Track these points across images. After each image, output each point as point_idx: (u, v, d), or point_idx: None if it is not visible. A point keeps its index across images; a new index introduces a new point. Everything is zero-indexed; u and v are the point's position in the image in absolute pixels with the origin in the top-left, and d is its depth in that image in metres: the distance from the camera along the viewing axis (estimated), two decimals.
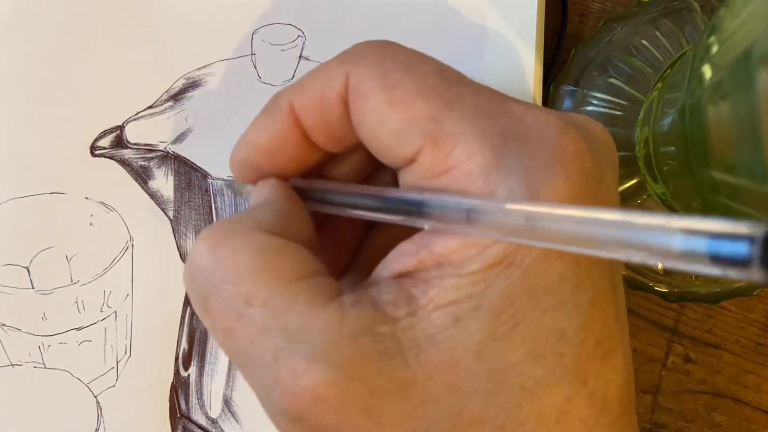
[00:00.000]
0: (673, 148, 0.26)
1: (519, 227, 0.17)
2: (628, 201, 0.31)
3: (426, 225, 0.19)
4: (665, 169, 0.27)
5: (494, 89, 0.20)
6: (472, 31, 0.31)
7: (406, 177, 0.20)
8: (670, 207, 0.30)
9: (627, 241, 0.14)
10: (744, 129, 0.18)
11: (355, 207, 0.21)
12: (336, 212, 0.22)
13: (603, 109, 0.31)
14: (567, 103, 0.32)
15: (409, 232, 0.20)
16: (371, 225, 0.25)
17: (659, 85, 0.31)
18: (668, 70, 0.31)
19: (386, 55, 0.20)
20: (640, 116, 0.31)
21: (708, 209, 0.22)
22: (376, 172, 0.24)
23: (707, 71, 0.20)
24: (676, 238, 0.13)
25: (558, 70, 0.33)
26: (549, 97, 0.32)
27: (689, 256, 0.13)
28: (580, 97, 0.32)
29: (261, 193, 0.22)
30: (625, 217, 0.14)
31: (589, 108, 0.31)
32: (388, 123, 0.19)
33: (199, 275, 0.19)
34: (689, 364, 0.33)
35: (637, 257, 0.14)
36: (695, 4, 0.31)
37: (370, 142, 0.20)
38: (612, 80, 0.31)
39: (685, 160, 0.22)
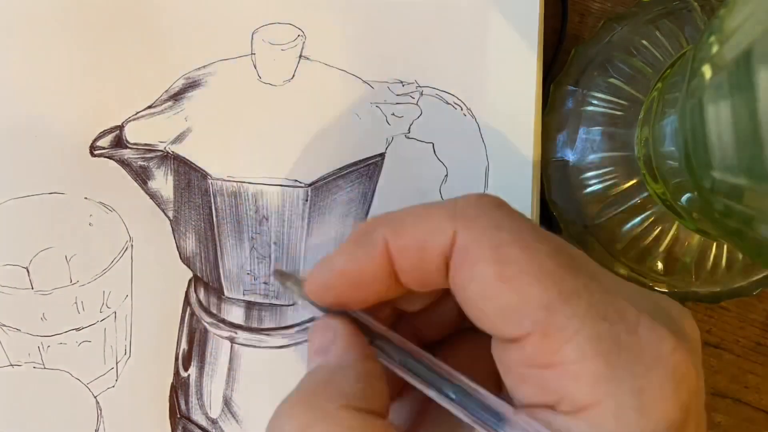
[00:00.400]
0: (673, 148, 0.26)
1: None
2: (627, 200, 0.31)
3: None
4: (665, 169, 0.27)
5: (603, 271, 0.20)
6: (473, 31, 0.31)
7: (503, 354, 0.19)
8: (670, 207, 0.30)
9: None
10: (744, 129, 0.18)
11: (432, 386, 0.20)
12: (405, 378, 0.21)
13: (603, 109, 0.31)
14: (567, 103, 0.32)
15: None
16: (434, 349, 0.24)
17: (659, 85, 0.31)
18: (668, 70, 0.31)
19: (500, 223, 0.19)
20: (640, 116, 0.31)
21: (708, 209, 0.22)
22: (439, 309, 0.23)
23: (707, 71, 0.20)
24: None
25: (558, 70, 0.33)
26: (549, 97, 0.32)
27: None
28: (580, 97, 0.32)
29: (328, 340, 0.21)
30: None
31: (589, 108, 0.31)
32: (496, 299, 0.19)
33: None
34: None
35: None
36: (695, 4, 0.31)
37: (470, 310, 0.20)
38: (612, 80, 0.31)
39: (685, 160, 0.22)
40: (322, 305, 0.22)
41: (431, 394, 0.20)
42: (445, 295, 0.22)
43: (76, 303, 0.31)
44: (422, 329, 0.22)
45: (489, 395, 0.19)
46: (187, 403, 0.31)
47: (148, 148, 0.31)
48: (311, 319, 0.31)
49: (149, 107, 0.31)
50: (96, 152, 0.31)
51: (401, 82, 0.31)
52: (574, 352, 0.18)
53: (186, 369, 0.31)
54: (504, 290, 0.19)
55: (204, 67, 0.31)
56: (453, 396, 0.20)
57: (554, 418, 0.18)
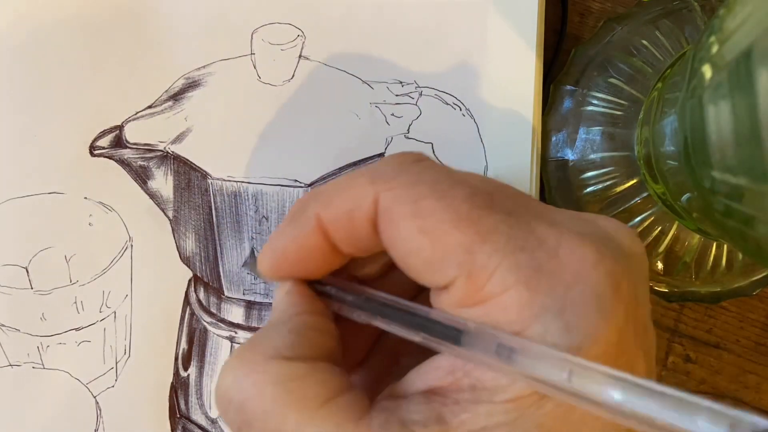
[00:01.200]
0: (673, 148, 0.26)
1: (558, 380, 0.17)
2: (627, 200, 0.31)
3: (460, 354, 0.19)
4: (665, 169, 0.27)
5: (526, 202, 0.21)
6: (472, 31, 0.31)
7: (437, 300, 0.20)
8: (670, 207, 0.30)
9: (658, 419, 0.15)
10: (744, 129, 0.18)
11: (386, 318, 0.21)
12: (361, 320, 0.22)
13: (603, 109, 0.31)
14: (567, 103, 0.32)
15: None
16: None
17: (659, 85, 0.31)
18: (668, 70, 0.31)
19: (416, 179, 0.20)
20: (640, 116, 0.31)
21: (708, 209, 0.22)
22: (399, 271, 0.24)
23: (707, 71, 0.20)
24: (701, 421, 0.14)
25: (558, 70, 0.33)
26: (549, 97, 0.32)
27: None
28: (580, 97, 0.32)
29: (278, 299, 0.22)
30: (662, 391, 0.15)
31: (589, 108, 0.31)
32: (420, 251, 0.19)
33: (231, 409, 0.20)
34: (689, 364, 0.33)
35: None
36: (695, 4, 0.31)
37: (402, 265, 0.20)
38: (612, 80, 0.31)
39: (685, 160, 0.22)
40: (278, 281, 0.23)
41: (389, 327, 0.21)
42: None
43: (75, 303, 0.31)
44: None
45: (444, 314, 0.20)
46: (186, 402, 0.31)
47: (148, 148, 0.31)
48: None
49: (149, 107, 0.31)
50: (96, 152, 0.31)
51: (401, 82, 0.31)
52: (497, 285, 0.18)
53: (186, 369, 0.31)
54: (426, 242, 0.19)
55: (204, 67, 0.31)
56: (406, 320, 0.20)
57: None
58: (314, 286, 0.23)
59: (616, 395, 0.16)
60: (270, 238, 0.23)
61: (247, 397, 0.19)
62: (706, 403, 0.14)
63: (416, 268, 0.20)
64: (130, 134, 0.31)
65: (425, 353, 0.20)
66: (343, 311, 0.22)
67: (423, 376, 0.20)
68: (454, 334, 0.19)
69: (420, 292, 0.25)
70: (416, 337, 0.20)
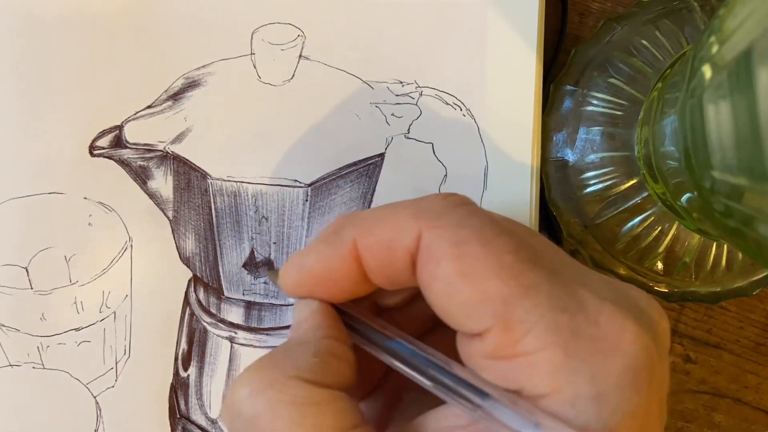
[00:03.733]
0: (673, 148, 0.26)
1: None
2: (627, 200, 0.31)
3: (477, 417, 0.19)
4: (665, 169, 0.27)
5: (569, 262, 0.20)
6: (472, 31, 0.31)
7: (467, 347, 0.20)
8: (670, 207, 0.30)
9: None
10: (744, 129, 0.18)
11: (409, 365, 0.20)
12: (381, 358, 0.21)
13: (603, 109, 0.31)
14: (567, 103, 0.32)
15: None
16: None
17: (659, 85, 0.31)
18: (668, 70, 0.31)
19: (462, 221, 0.20)
20: (640, 116, 0.31)
21: (708, 209, 0.22)
22: (420, 303, 0.24)
23: (707, 71, 0.20)
24: None
25: (558, 70, 0.33)
26: (549, 97, 0.32)
27: None
28: (580, 97, 0.32)
29: (303, 318, 0.22)
30: None
31: (589, 108, 0.31)
32: (458, 295, 0.19)
33: (238, 421, 0.19)
34: (689, 364, 0.33)
35: None
36: (695, 4, 0.31)
37: (435, 305, 0.20)
38: (612, 80, 0.31)
39: (685, 160, 0.22)
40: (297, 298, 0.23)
41: (413, 374, 0.20)
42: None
43: (75, 303, 0.31)
44: (402, 324, 0.23)
45: (470, 373, 0.19)
46: (186, 403, 0.31)
47: (148, 148, 0.31)
48: None
49: (149, 107, 0.31)
50: (95, 152, 0.31)
51: (401, 82, 0.31)
52: (533, 342, 0.18)
53: (186, 369, 0.31)
54: (465, 286, 0.19)
55: (204, 66, 0.31)
56: (436, 375, 0.20)
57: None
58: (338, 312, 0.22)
59: None
60: (299, 253, 0.22)
61: (259, 412, 0.19)
62: None
63: (451, 311, 0.20)
64: (130, 134, 0.31)
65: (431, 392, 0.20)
66: (362, 344, 0.22)
67: (442, 422, 0.19)
68: (474, 398, 0.19)
69: (437, 326, 0.24)
70: (429, 385, 0.20)
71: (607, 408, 0.18)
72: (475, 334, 0.19)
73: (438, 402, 0.20)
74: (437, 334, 0.24)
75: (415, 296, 0.23)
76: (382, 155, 0.31)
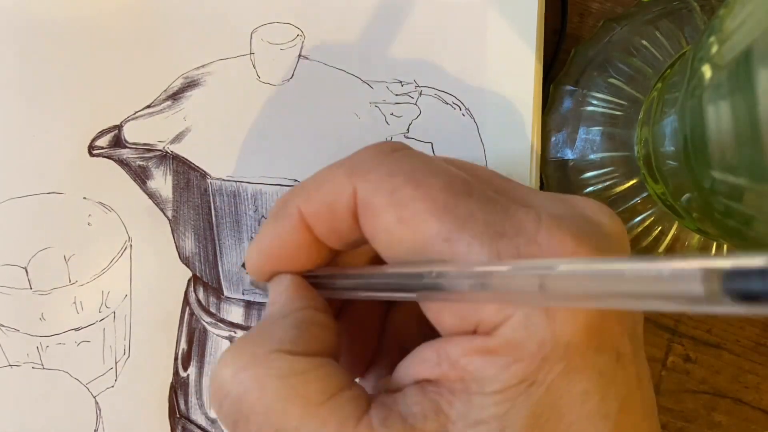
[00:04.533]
0: (673, 148, 0.25)
1: (532, 291, 0.16)
2: (627, 200, 0.31)
3: (445, 298, 0.19)
4: (665, 169, 0.27)
5: (505, 186, 0.20)
6: (472, 31, 0.31)
7: None
8: (670, 207, 0.30)
9: (645, 292, 0.14)
10: (744, 129, 0.18)
11: (369, 288, 0.21)
12: (352, 296, 0.22)
13: (603, 109, 0.31)
14: (567, 103, 0.32)
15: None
16: (390, 304, 0.25)
17: (659, 85, 0.31)
18: (668, 70, 0.31)
19: (393, 169, 0.20)
20: (640, 116, 0.31)
21: (708, 209, 0.22)
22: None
23: (707, 71, 0.20)
24: (694, 282, 0.12)
25: (558, 70, 0.32)
26: (548, 97, 0.32)
27: (711, 298, 0.12)
28: (580, 97, 0.32)
29: (277, 294, 0.22)
30: (641, 266, 0.14)
31: (589, 108, 0.31)
32: (401, 242, 0.19)
33: (226, 402, 0.19)
34: (689, 364, 0.33)
35: (656, 306, 0.13)
36: (695, 4, 0.31)
37: (385, 256, 0.20)
38: (612, 80, 0.31)
39: (685, 160, 0.22)
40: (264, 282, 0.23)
41: (368, 294, 0.21)
42: None
43: (75, 303, 0.31)
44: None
45: (420, 264, 0.19)
46: (186, 403, 0.31)
47: (147, 148, 0.31)
48: None
49: (148, 107, 0.31)
50: (95, 152, 0.31)
51: (400, 82, 0.31)
52: None
53: (185, 369, 0.31)
54: (405, 232, 0.19)
55: (203, 66, 0.31)
56: (384, 282, 0.20)
57: (475, 340, 0.19)
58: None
59: (589, 284, 0.15)
60: (255, 238, 0.23)
61: (245, 389, 0.19)
62: (673, 263, 0.13)
63: (398, 258, 0.20)
64: (129, 134, 0.31)
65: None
66: (339, 294, 0.22)
67: (411, 369, 0.20)
68: (429, 281, 0.19)
69: None
70: (391, 295, 0.20)
71: (557, 321, 0.18)
72: None
73: None
74: None
75: (378, 257, 0.24)
76: None
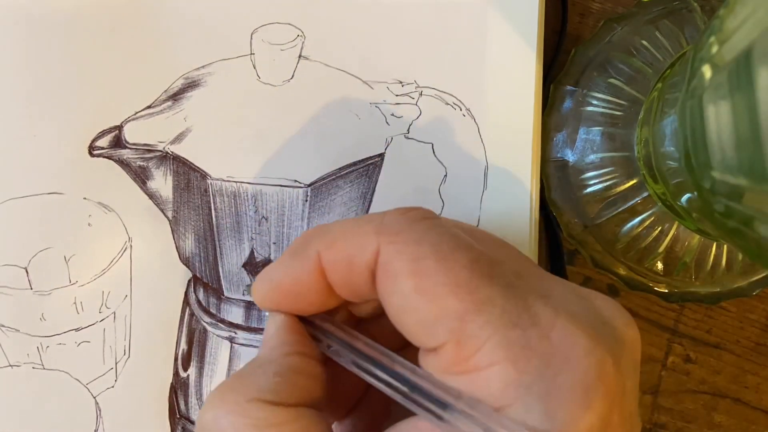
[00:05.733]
0: (672, 148, 0.25)
1: None
2: (627, 200, 0.31)
3: (442, 427, 0.19)
4: (665, 169, 0.27)
5: (528, 273, 0.20)
6: (472, 32, 0.31)
7: (425, 361, 0.20)
8: (670, 207, 0.30)
9: None
10: (744, 129, 0.18)
11: (373, 376, 0.21)
12: (350, 369, 0.22)
13: (603, 109, 0.31)
14: (567, 103, 0.32)
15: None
16: None
17: (659, 85, 0.31)
18: (668, 70, 0.31)
19: (421, 237, 0.20)
20: (640, 116, 0.31)
21: (708, 209, 0.22)
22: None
23: (707, 71, 0.20)
24: None
25: (558, 70, 0.32)
26: (549, 97, 0.32)
27: None
28: (580, 97, 0.32)
29: (269, 334, 0.22)
30: None
31: (589, 108, 0.31)
32: (414, 311, 0.19)
33: None
34: (689, 364, 0.33)
35: None
36: (695, 4, 0.31)
37: (394, 320, 0.20)
38: (612, 80, 0.31)
39: (685, 160, 0.22)
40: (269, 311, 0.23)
41: (378, 384, 0.21)
42: None
43: (75, 303, 0.31)
44: (378, 336, 0.23)
45: (434, 383, 0.19)
46: (186, 403, 0.31)
47: (147, 148, 0.31)
48: None
49: (148, 107, 0.31)
50: (95, 152, 0.31)
51: (401, 82, 0.31)
52: (485, 358, 0.18)
53: (185, 369, 0.31)
54: (421, 302, 0.19)
55: (203, 67, 0.31)
56: (396, 384, 0.20)
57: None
58: (306, 324, 0.23)
59: None
60: (269, 267, 0.23)
61: None
62: None
63: (407, 325, 0.20)
64: (130, 134, 0.31)
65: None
66: (331, 355, 0.22)
67: None
68: (436, 409, 0.19)
69: (410, 343, 0.25)
70: (398, 397, 0.20)
71: (557, 423, 0.18)
72: (432, 349, 0.19)
73: None
74: (410, 348, 0.24)
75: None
76: (381, 155, 0.31)
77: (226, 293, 0.31)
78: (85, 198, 0.31)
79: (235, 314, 0.31)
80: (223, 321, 0.31)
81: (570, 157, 0.32)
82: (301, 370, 0.21)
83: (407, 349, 0.22)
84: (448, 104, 0.31)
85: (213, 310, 0.31)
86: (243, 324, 0.31)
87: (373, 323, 0.24)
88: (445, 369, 0.19)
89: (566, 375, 0.18)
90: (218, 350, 0.31)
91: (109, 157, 0.31)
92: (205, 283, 0.31)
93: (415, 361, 0.21)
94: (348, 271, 0.21)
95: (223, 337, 0.31)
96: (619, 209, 0.31)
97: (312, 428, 0.19)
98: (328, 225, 0.22)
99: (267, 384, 0.20)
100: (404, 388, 0.20)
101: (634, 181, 0.31)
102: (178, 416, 0.31)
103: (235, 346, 0.31)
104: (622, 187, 0.31)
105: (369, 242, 0.20)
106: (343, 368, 0.23)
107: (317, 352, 0.22)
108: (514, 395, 0.18)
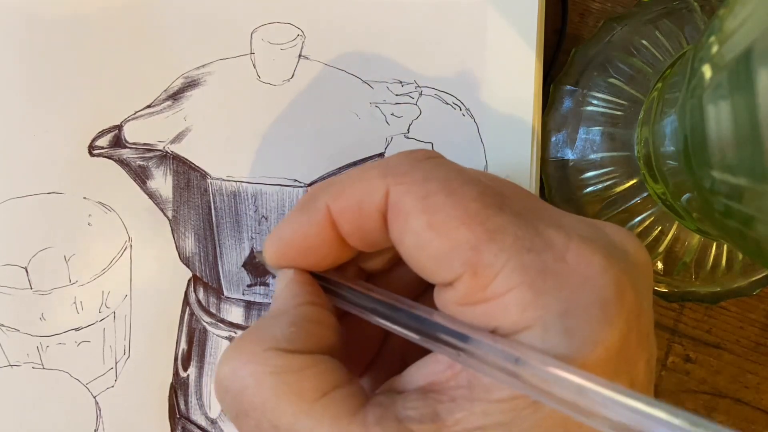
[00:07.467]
0: (673, 148, 0.25)
1: (565, 396, 0.17)
2: (627, 200, 0.31)
3: (461, 361, 0.19)
4: (665, 169, 0.27)
5: (536, 204, 0.21)
6: (472, 31, 0.31)
7: (441, 297, 0.20)
8: (670, 207, 0.30)
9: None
10: (744, 129, 0.18)
11: (386, 317, 0.21)
12: (362, 317, 0.22)
13: (603, 109, 0.31)
14: (567, 103, 0.32)
15: None
16: None
17: (659, 85, 0.31)
18: (668, 70, 0.31)
19: (428, 175, 0.20)
20: (640, 116, 0.31)
21: (708, 209, 0.22)
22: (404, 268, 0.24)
23: (707, 71, 0.20)
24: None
25: (558, 70, 0.32)
26: (549, 97, 0.32)
27: None
28: (580, 97, 0.32)
29: (280, 288, 0.22)
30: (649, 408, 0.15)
31: (589, 108, 0.31)
32: (428, 247, 0.19)
33: (228, 397, 0.20)
34: (689, 364, 0.33)
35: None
36: (695, 4, 0.31)
37: (409, 260, 0.20)
38: (612, 80, 0.31)
39: (685, 160, 0.22)
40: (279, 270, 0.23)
41: (394, 328, 0.21)
42: None
43: (75, 303, 0.31)
44: (391, 289, 0.23)
45: (450, 319, 0.20)
46: (186, 403, 0.31)
47: (147, 148, 0.31)
48: None
49: (148, 107, 0.31)
50: (95, 152, 0.31)
51: (401, 82, 0.31)
52: (502, 284, 0.18)
53: (185, 369, 0.31)
54: (434, 238, 0.19)
55: (203, 66, 0.31)
56: (413, 324, 0.20)
57: None
58: (317, 279, 0.23)
59: (618, 412, 0.16)
60: (277, 226, 0.23)
61: (244, 386, 0.19)
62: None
63: (422, 263, 0.20)
64: (129, 134, 0.31)
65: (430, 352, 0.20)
66: (345, 306, 0.22)
67: (422, 370, 0.20)
68: (455, 342, 0.19)
69: (424, 291, 0.25)
70: (416, 337, 0.20)
71: (576, 340, 0.18)
72: (448, 283, 0.19)
73: None
74: (427, 295, 0.24)
75: (400, 259, 0.24)
76: (381, 155, 0.31)
77: (226, 293, 0.31)
78: (85, 198, 0.31)
79: (235, 314, 0.31)
80: (223, 321, 0.31)
81: (570, 156, 0.32)
82: (314, 318, 0.21)
83: (420, 300, 0.22)
84: (447, 104, 0.31)
85: (213, 310, 0.31)
86: (243, 323, 0.31)
87: (383, 278, 0.25)
88: (462, 300, 0.19)
89: (584, 293, 0.18)
90: (218, 350, 0.31)
91: (109, 157, 0.31)
92: (205, 283, 0.31)
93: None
94: (359, 218, 0.21)
95: (223, 337, 0.31)
96: (619, 209, 0.31)
97: (329, 372, 0.19)
98: (333, 177, 0.22)
99: (282, 333, 0.20)
100: (422, 327, 0.20)
101: (634, 180, 0.31)
102: (178, 416, 0.31)
103: None
104: (622, 187, 0.31)
105: (377, 186, 0.20)
106: (355, 326, 0.23)
107: (330, 303, 0.22)
108: (533, 317, 0.18)
